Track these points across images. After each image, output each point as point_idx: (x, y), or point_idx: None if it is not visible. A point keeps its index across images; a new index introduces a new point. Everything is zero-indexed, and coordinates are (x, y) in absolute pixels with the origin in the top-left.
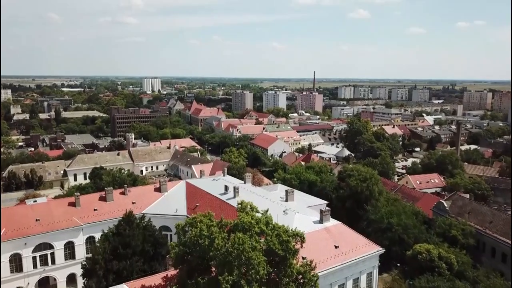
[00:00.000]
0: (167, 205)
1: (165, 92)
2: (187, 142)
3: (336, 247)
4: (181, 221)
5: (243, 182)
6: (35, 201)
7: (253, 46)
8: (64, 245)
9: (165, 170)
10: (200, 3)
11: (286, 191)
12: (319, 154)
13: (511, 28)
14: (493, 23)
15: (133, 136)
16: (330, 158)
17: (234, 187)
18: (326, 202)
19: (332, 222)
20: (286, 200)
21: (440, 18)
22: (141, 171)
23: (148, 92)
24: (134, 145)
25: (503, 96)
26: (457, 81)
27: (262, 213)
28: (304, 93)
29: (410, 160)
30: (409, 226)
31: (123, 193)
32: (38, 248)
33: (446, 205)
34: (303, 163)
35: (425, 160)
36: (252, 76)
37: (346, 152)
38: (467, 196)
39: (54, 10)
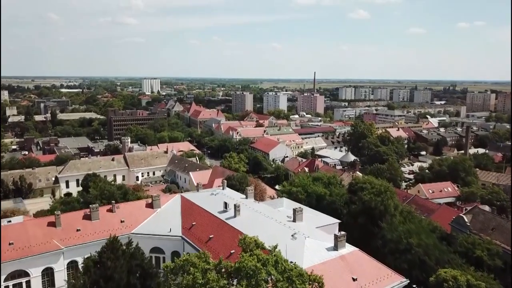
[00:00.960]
0: (159, 223)
1: (164, 93)
2: (186, 145)
3: (354, 279)
4: (169, 262)
5: (244, 196)
6: (9, 221)
7: (253, 47)
8: (42, 271)
9: (162, 176)
10: (200, 3)
11: (294, 210)
12: (322, 159)
13: (511, 28)
14: (493, 23)
15: (129, 140)
16: (335, 164)
17: (235, 205)
18: (338, 221)
19: (348, 249)
20: (294, 220)
21: (440, 18)
22: (137, 177)
23: (147, 93)
24: (130, 149)
25: (507, 97)
26: (457, 82)
27: (270, 249)
28: (305, 94)
29: (417, 164)
30: (430, 247)
31: (110, 210)
32: (11, 276)
33: (466, 220)
34: (306, 169)
35: (436, 166)
36: (252, 77)
37: (351, 157)
38: (486, 208)
39: (54, 10)
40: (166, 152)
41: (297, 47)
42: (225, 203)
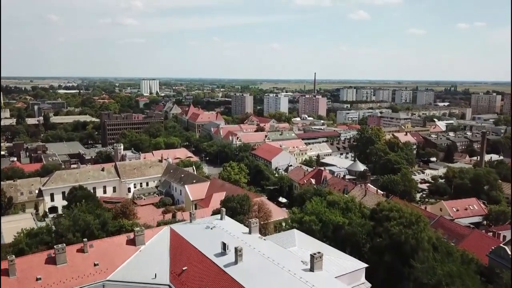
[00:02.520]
0: (142, 266)
1: (163, 94)
2: (182, 152)
3: None
4: None
5: (247, 230)
6: None
7: (252, 47)
8: None
9: (156, 187)
10: (200, 4)
11: (312, 257)
12: (329, 167)
13: (511, 29)
14: (493, 24)
15: (122, 147)
16: (344, 175)
17: (236, 248)
18: (364, 265)
19: None
20: (312, 269)
21: (440, 19)
22: (129, 188)
23: (145, 94)
24: (123, 157)
25: None
26: (457, 82)
27: None
28: (307, 96)
29: (428, 172)
30: None
31: (81, 250)
32: None
33: (510, 252)
34: (313, 180)
35: (457, 180)
36: (251, 77)
37: (360, 166)
38: None
39: (54, 11)
40: (160, 160)
41: (297, 47)
42: (224, 244)
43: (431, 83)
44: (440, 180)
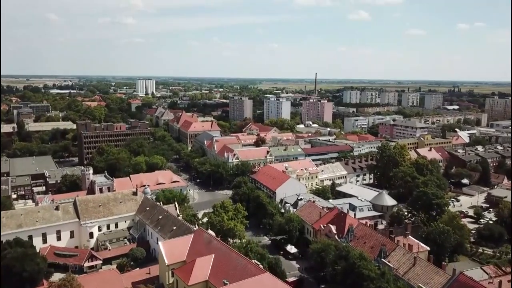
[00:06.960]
0: None
1: (159, 95)
2: (167, 176)
3: None
4: None
5: None
6: None
7: (252, 47)
8: None
9: (128, 228)
10: (200, 4)
11: None
12: (348, 200)
13: (511, 30)
14: (493, 25)
15: (91, 172)
16: (375, 224)
17: None
18: None
19: None
20: None
21: (440, 19)
22: (91, 233)
23: (140, 95)
24: (92, 184)
25: None
26: (458, 83)
27: None
28: (311, 100)
29: (463, 200)
30: None
31: None
32: None
33: None
34: (333, 227)
35: None
36: (251, 77)
37: (388, 200)
38: None
39: (54, 11)
40: (135, 193)
41: (297, 47)
42: None
43: (432, 83)
44: (483, 213)
